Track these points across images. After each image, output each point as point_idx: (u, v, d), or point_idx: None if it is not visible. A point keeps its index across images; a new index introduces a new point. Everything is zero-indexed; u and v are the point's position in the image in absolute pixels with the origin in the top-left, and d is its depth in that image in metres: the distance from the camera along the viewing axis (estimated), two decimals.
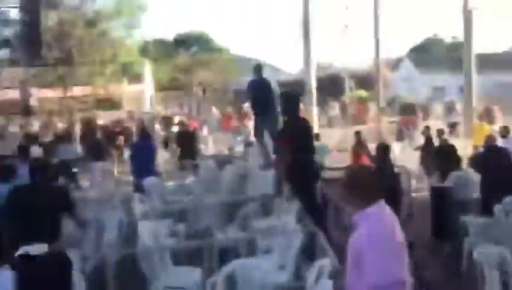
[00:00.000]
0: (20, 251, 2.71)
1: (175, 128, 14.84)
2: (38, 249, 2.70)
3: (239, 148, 12.84)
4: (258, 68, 8.31)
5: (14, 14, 18.53)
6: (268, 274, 3.78)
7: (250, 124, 14.27)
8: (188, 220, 6.65)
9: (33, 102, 16.85)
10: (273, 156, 7.96)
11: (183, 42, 46.00)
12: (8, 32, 20.03)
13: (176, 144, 12.19)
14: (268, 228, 5.30)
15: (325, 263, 3.35)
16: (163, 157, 13.65)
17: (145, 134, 9.59)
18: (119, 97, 25.04)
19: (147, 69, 29.52)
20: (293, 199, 5.33)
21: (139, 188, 8.01)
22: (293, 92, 6.81)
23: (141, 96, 27.10)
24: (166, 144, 13.72)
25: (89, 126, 13.00)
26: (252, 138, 13.06)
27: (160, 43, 44.32)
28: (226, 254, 5.65)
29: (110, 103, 20.51)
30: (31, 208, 4.13)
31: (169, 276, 4.16)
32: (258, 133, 8.51)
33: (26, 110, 16.59)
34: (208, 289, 3.72)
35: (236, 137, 13.98)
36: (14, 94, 17.05)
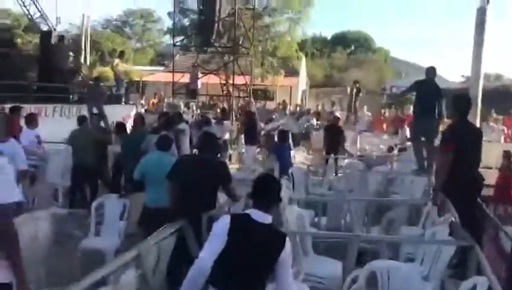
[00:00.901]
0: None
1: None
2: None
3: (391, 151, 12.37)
4: (432, 70, 7.87)
5: (192, 3, 20.31)
6: (413, 282, 3.58)
7: (405, 128, 13.73)
8: (329, 215, 6.62)
9: (198, 85, 18.24)
10: (427, 161, 7.53)
11: (341, 40, 45.73)
12: (185, 21, 22.05)
13: (324, 137, 12.22)
14: (416, 236, 5.02)
15: (481, 281, 3.06)
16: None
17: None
18: (274, 89, 25.94)
19: (303, 64, 30.04)
20: (446, 209, 4.94)
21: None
22: (466, 95, 6.29)
23: (294, 90, 27.71)
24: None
25: (247, 114, 13.75)
26: (406, 143, 12.58)
27: (318, 40, 44.80)
28: (364, 255, 5.54)
29: (264, 93, 21.30)
30: (193, 178, 4.50)
31: (310, 263, 4.20)
32: (415, 136, 8.09)
33: (192, 92, 18.08)
34: (348, 283, 3.66)
35: (392, 139, 13.44)
36: (184, 77, 18.64)
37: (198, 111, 16.86)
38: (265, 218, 3.00)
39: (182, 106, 16.79)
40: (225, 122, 12.85)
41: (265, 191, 3.04)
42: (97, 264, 4.60)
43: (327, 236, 5.28)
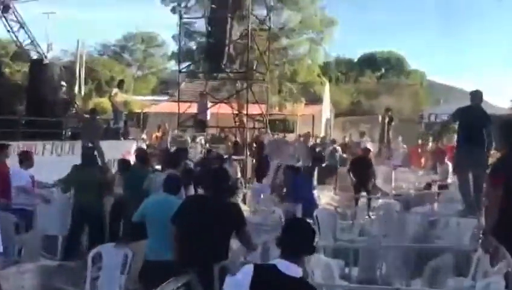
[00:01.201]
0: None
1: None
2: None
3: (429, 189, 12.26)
4: (478, 94, 7.86)
5: (199, 25, 20.76)
6: None
7: (447, 162, 13.61)
8: (361, 265, 6.52)
9: (207, 116, 18.43)
10: (476, 200, 7.42)
11: (369, 62, 46.10)
12: (192, 44, 22.51)
13: (351, 172, 12.18)
14: (465, 289, 4.91)
15: None
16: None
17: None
18: (294, 119, 26.08)
19: (326, 90, 30.26)
20: (500, 256, 4.82)
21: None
22: None
23: (317, 119, 27.81)
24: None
25: (259, 147, 13.82)
26: (450, 179, 12.46)
27: (343, 62, 45.21)
28: None
29: (283, 124, 21.46)
30: (202, 222, 4.49)
31: None
32: (460, 170, 7.99)
33: (201, 124, 18.26)
34: None
35: (428, 175, 13.34)
36: (191, 108, 18.88)
37: (207, 145, 16.97)
38: (295, 271, 2.95)
39: (189, 140, 16.99)
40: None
41: (297, 238, 2.99)
42: None
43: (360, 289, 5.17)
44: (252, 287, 2.88)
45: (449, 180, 12.99)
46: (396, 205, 9.94)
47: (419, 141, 20.57)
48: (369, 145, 16.44)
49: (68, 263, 6.90)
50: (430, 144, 19.24)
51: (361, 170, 11.86)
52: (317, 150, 16.43)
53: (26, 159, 7.91)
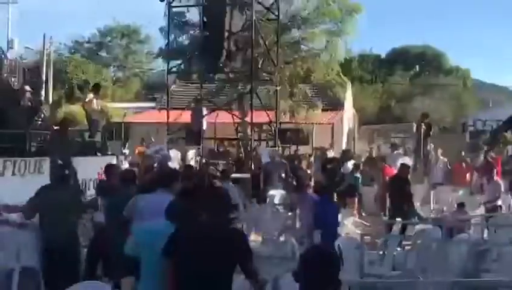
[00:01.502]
0: None
1: None
2: None
3: (477, 210, 12.28)
4: None
5: (192, 15, 20.86)
6: None
7: (497, 180, 13.65)
8: None
9: (203, 126, 18.52)
10: None
11: (400, 58, 46.33)
12: (183, 38, 22.57)
13: (388, 194, 12.21)
14: None
15: None
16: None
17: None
18: (309, 128, 26.10)
19: (348, 93, 30.36)
20: None
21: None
22: None
23: (338, 129, 27.86)
24: None
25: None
26: (499, 201, 12.48)
27: (369, 59, 45.44)
28: None
29: (296, 134, 21.43)
30: (201, 253, 4.50)
31: None
32: None
33: (195, 136, 18.33)
34: None
35: (474, 196, 13.35)
36: (183, 116, 18.99)
37: (204, 161, 17.04)
38: None
39: (178, 156, 17.05)
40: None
41: (319, 271, 3.00)
42: None
43: None
44: None
45: (499, 202, 13.00)
46: (436, 231, 9.93)
47: (463, 154, 20.54)
48: (406, 161, 16.50)
49: None
50: (478, 157, 19.26)
51: (400, 192, 11.86)
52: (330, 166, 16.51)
53: None
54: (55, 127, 15.06)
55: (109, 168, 9.31)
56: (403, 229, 11.44)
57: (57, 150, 12.42)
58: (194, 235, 4.68)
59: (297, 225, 11.03)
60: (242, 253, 4.63)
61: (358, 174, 15.88)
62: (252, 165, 16.50)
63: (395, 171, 17.31)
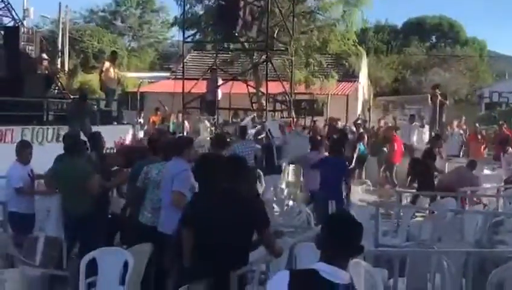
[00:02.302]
0: None
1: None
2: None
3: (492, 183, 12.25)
4: None
5: None
6: None
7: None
8: (409, 275, 6.55)
9: (218, 96, 18.47)
10: None
11: (417, 29, 45.81)
12: (199, 8, 22.42)
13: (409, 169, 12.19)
14: None
15: None
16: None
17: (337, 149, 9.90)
18: (324, 99, 26.01)
19: (364, 63, 30.14)
20: None
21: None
22: None
23: (353, 100, 27.72)
24: None
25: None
26: None
27: (385, 29, 44.98)
28: None
29: (311, 105, 21.43)
30: (219, 222, 4.54)
31: None
32: None
33: (210, 106, 18.31)
34: None
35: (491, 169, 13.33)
36: (198, 86, 18.92)
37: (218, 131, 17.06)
38: (342, 276, 2.94)
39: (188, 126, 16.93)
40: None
41: (343, 236, 2.98)
42: None
43: None
44: None
45: None
46: (451, 203, 9.93)
47: (478, 126, 20.42)
48: (424, 133, 16.46)
49: (53, 271, 7.03)
50: (494, 128, 19.17)
51: (423, 166, 11.79)
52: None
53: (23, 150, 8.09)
54: (74, 97, 15.15)
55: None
56: (414, 201, 11.40)
57: (76, 119, 12.50)
58: (212, 203, 4.71)
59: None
60: (260, 221, 4.64)
61: (362, 145, 15.67)
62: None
63: (410, 142, 17.37)
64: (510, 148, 13.68)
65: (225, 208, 4.61)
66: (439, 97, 18.36)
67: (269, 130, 14.11)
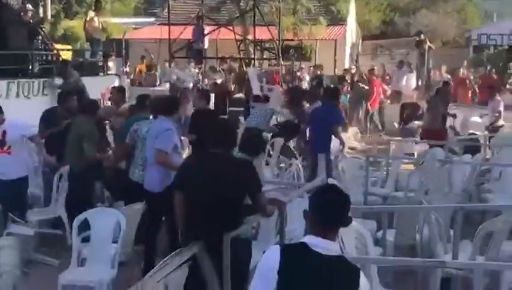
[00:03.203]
0: None
1: None
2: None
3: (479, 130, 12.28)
4: None
5: None
6: None
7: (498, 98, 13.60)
8: (399, 227, 6.66)
9: (205, 44, 18.29)
10: None
11: None
12: None
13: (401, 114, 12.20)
14: None
15: None
16: None
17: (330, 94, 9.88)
18: (312, 45, 25.81)
19: (352, 7, 29.83)
20: None
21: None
22: None
23: (341, 45, 27.53)
24: None
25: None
26: (500, 120, 12.48)
27: None
28: (450, 283, 5.59)
29: (299, 51, 21.29)
30: (210, 185, 4.57)
31: None
32: None
33: (197, 54, 18.16)
34: None
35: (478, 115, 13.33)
36: (184, 33, 18.68)
37: (206, 82, 16.96)
38: (330, 247, 3.00)
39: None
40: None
41: (331, 211, 3.04)
42: None
43: (399, 263, 5.31)
44: (281, 272, 2.92)
45: (501, 121, 12.97)
46: (439, 152, 10.00)
47: (463, 70, 20.39)
48: (412, 79, 16.45)
49: (47, 231, 7.11)
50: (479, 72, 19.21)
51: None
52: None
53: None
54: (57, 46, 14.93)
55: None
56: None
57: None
58: (203, 167, 4.74)
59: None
60: (251, 185, 4.69)
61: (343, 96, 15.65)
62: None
63: (398, 88, 17.42)
64: (497, 95, 13.66)
65: (216, 171, 4.64)
66: (426, 43, 18.35)
67: (248, 78, 14.02)
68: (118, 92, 9.52)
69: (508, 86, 19.81)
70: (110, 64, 16.76)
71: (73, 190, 7.13)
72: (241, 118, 13.40)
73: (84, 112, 7.39)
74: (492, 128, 12.63)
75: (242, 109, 14.09)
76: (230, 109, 14.06)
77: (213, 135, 4.85)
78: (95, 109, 7.58)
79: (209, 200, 4.56)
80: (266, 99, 12.90)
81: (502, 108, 13.15)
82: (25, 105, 11.53)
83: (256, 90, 13.39)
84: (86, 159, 7.06)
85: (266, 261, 3.01)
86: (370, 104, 16.16)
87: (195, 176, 4.69)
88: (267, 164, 10.07)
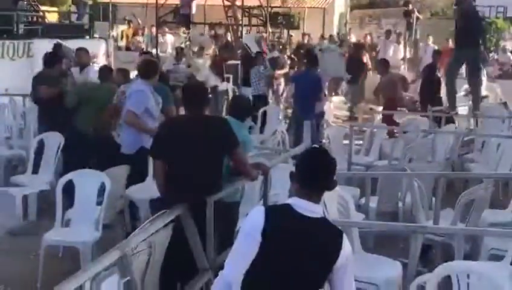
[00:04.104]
0: None
1: None
2: None
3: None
4: None
5: None
6: (501, 289, 3.68)
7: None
8: (381, 195, 6.71)
9: (193, 10, 18.09)
10: None
11: None
12: None
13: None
14: (504, 225, 5.09)
15: None
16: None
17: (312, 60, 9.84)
18: (300, 13, 25.63)
19: None
20: None
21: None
22: None
23: (329, 13, 27.40)
24: None
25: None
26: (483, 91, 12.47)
27: None
28: (431, 250, 5.67)
29: (287, 19, 21.09)
30: (189, 146, 4.57)
31: (359, 265, 4.31)
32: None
33: (184, 20, 17.96)
34: None
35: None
36: None
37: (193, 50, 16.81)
38: (315, 209, 3.01)
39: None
40: None
41: (316, 173, 3.04)
42: (67, 267, 4.82)
43: (381, 228, 5.36)
44: (264, 233, 2.93)
45: (484, 92, 12.97)
46: (423, 122, 10.04)
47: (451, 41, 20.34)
48: (400, 49, 16.39)
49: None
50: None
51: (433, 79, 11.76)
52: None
53: None
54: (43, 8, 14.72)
55: None
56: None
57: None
58: (177, 130, 4.73)
59: None
60: (227, 140, 4.66)
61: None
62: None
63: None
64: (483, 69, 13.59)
65: (191, 130, 4.63)
66: (414, 13, 18.31)
67: (246, 44, 13.95)
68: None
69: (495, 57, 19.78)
70: (96, 27, 16.59)
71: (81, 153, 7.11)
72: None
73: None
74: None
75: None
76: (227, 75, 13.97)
77: (184, 96, 4.86)
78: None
79: (188, 162, 4.55)
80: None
81: (484, 79, 13.08)
82: (10, 67, 11.44)
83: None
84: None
85: (250, 221, 3.02)
86: None
87: (171, 139, 4.68)
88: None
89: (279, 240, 2.95)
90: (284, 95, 13.77)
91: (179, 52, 14.29)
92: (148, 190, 6.08)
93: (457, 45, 10.91)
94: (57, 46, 10.04)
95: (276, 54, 15.05)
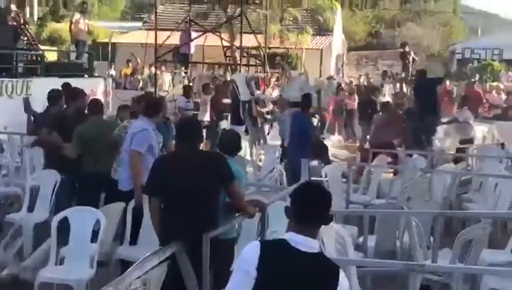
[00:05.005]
0: None
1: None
2: None
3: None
4: None
5: None
6: None
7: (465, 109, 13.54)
8: (379, 234, 6.67)
9: (192, 49, 18.30)
10: None
11: None
12: None
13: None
14: (503, 264, 5.04)
15: None
16: None
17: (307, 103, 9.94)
18: (298, 53, 25.89)
19: (338, 18, 29.96)
20: None
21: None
22: None
23: (327, 54, 27.66)
24: None
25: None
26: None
27: None
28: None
29: (285, 59, 21.31)
30: (183, 181, 4.54)
31: None
32: None
33: (183, 59, 18.14)
34: None
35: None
36: (171, 38, 18.66)
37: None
38: (311, 244, 2.98)
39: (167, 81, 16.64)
40: None
41: (312, 207, 3.02)
42: None
43: (379, 265, 5.31)
44: (260, 268, 2.89)
45: (471, 133, 12.84)
46: (421, 161, 10.05)
47: (448, 83, 20.50)
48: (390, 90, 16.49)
49: None
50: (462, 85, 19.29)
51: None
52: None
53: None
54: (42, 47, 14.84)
55: None
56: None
57: None
58: (173, 166, 4.72)
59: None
60: (223, 174, 4.64)
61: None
62: None
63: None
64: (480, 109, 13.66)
65: (186, 166, 4.62)
66: (410, 55, 18.51)
67: (235, 82, 13.96)
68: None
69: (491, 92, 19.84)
70: (96, 67, 16.72)
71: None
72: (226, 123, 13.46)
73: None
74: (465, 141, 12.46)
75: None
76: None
77: (179, 132, 4.86)
78: None
79: (184, 195, 4.52)
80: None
81: (471, 120, 12.91)
82: (8, 104, 11.47)
83: (244, 96, 13.34)
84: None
85: (245, 256, 2.98)
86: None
87: (166, 174, 4.66)
88: None
89: (275, 275, 2.90)
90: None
91: (188, 90, 14.30)
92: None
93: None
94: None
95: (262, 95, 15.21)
